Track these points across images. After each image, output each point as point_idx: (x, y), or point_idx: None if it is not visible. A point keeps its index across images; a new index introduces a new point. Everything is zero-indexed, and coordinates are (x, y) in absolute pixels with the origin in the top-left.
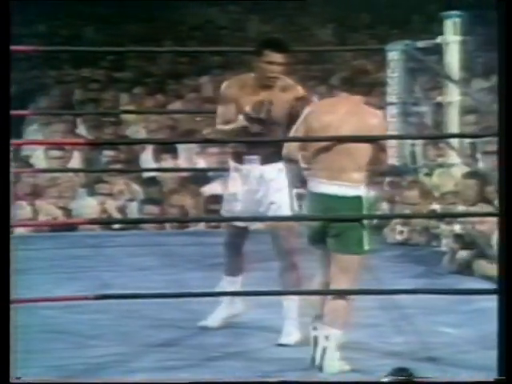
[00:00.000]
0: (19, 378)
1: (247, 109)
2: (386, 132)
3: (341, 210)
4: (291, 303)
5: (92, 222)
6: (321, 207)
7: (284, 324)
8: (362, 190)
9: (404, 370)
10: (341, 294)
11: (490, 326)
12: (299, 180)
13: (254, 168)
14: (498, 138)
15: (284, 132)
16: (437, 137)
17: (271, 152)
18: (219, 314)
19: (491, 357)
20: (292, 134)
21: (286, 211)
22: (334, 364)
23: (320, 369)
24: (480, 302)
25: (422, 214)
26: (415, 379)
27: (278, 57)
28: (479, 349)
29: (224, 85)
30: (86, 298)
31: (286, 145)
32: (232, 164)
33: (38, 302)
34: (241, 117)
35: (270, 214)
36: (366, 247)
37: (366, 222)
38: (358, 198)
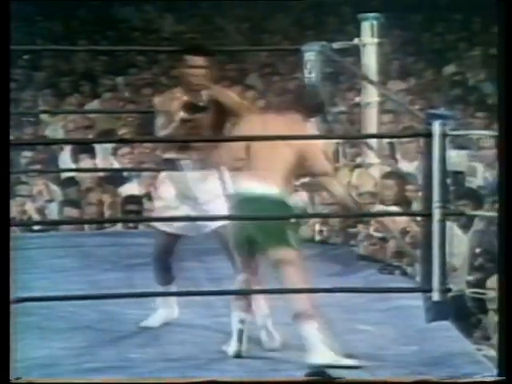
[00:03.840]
0: (19, 378)
1: (184, 98)
2: (320, 151)
3: (263, 208)
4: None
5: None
6: (244, 207)
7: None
8: (282, 189)
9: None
10: (266, 293)
11: (409, 324)
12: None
13: (188, 174)
14: (497, 139)
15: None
16: (355, 137)
17: (206, 157)
18: (159, 315)
19: (410, 353)
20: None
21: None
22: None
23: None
24: (399, 299)
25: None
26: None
27: (198, 59)
28: (398, 345)
29: (156, 100)
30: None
31: (218, 153)
32: (162, 174)
33: None
34: (180, 112)
35: (202, 223)
36: (293, 242)
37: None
38: (279, 197)
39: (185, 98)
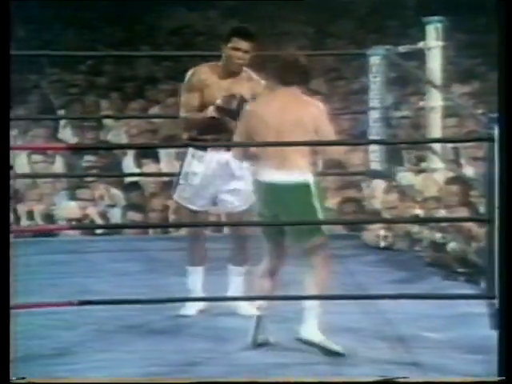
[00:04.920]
0: (19, 378)
1: (218, 102)
2: (326, 118)
3: (290, 197)
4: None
5: (80, 227)
6: (271, 196)
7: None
8: (309, 177)
9: None
10: (323, 299)
11: (473, 331)
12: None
13: (218, 154)
14: (498, 140)
15: None
16: (419, 142)
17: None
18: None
19: (475, 361)
20: (236, 135)
21: (245, 199)
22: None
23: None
24: (463, 306)
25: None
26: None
27: (243, 43)
28: (462, 353)
29: (190, 72)
30: (71, 304)
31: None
32: (191, 150)
33: (19, 308)
34: (211, 108)
35: (229, 200)
36: (324, 231)
37: (317, 206)
38: (306, 184)
39: (218, 101)
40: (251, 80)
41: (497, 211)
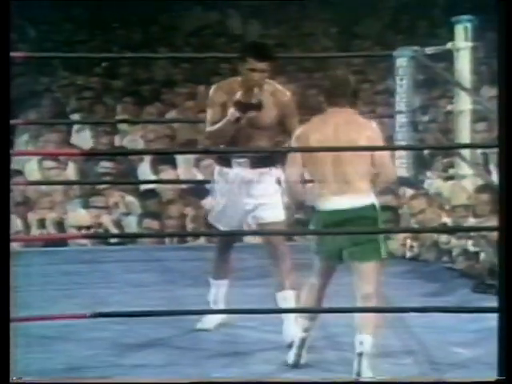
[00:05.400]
0: (19, 378)
1: (237, 96)
2: (381, 140)
3: (357, 220)
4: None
5: (93, 236)
6: (334, 222)
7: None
8: (372, 198)
9: None
10: (348, 311)
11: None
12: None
13: (242, 171)
14: (498, 147)
15: (274, 137)
16: (447, 147)
17: (261, 155)
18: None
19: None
20: (289, 162)
21: (275, 213)
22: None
23: (358, 374)
24: (491, 320)
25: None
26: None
27: (260, 64)
28: (490, 369)
29: (212, 89)
30: (84, 317)
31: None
32: (217, 168)
33: (33, 320)
34: (232, 109)
35: (258, 215)
36: (384, 253)
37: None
38: (371, 206)
39: (238, 95)
40: (276, 92)
41: None
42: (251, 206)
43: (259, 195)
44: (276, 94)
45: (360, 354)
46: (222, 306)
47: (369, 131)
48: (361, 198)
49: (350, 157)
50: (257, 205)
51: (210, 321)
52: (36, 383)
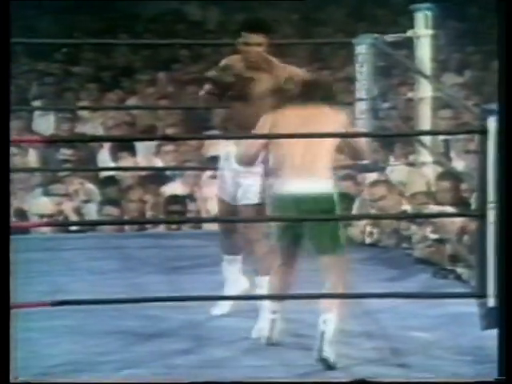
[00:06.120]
0: (19, 378)
1: (209, 73)
2: (352, 129)
3: (315, 208)
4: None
5: (64, 224)
6: (293, 207)
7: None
8: (332, 186)
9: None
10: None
11: (463, 331)
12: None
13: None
14: (498, 139)
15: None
16: (407, 134)
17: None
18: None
19: (465, 363)
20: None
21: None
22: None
23: (319, 351)
24: (453, 305)
25: (400, 215)
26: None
27: (255, 37)
28: (451, 354)
29: (223, 62)
30: (44, 305)
31: (246, 148)
32: (223, 143)
33: None
34: (206, 86)
35: (242, 195)
36: (343, 246)
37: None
38: (331, 195)
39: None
40: (284, 69)
41: (491, 206)
42: (243, 185)
43: (246, 176)
44: (283, 70)
45: (323, 333)
46: (237, 281)
47: (339, 119)
48: (321, 184)
49: (313, 142)
50: (246, 186)
51: (224, 306)
52: (36, 383)
